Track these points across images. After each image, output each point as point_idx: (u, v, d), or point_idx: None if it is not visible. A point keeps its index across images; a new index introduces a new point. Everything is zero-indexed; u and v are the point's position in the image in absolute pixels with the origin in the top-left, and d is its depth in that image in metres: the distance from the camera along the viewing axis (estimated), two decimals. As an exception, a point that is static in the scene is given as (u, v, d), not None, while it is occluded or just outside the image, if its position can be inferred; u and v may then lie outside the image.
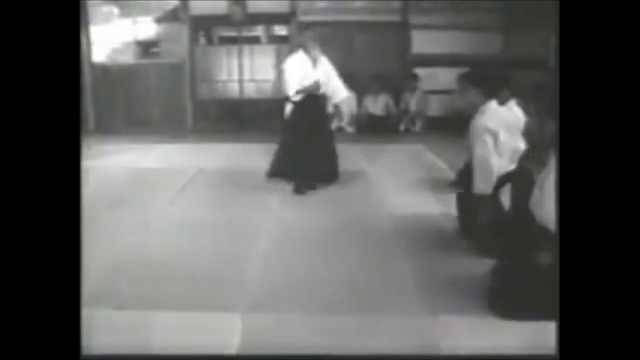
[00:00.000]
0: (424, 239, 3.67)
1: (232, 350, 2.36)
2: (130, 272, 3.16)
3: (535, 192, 2.67)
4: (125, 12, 8.54)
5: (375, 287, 2.97)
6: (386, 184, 5.14)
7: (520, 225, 3.04)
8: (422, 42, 8.31)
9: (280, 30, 8.71)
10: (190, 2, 8.32)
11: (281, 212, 4.33)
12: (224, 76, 8.85)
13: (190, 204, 4.63)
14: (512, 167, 3.41)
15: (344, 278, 3.07)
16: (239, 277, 3.09)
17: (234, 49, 8.68)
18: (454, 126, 5.07)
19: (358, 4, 8.43)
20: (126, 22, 8.56)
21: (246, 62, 8.71)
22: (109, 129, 8.29)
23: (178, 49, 8.53)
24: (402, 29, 8.43)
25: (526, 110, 4.13)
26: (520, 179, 3.30)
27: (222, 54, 8.82)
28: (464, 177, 3.67)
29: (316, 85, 4.77)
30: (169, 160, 6.42)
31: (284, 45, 8.54)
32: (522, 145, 3.50)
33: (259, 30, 8.76)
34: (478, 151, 3.34)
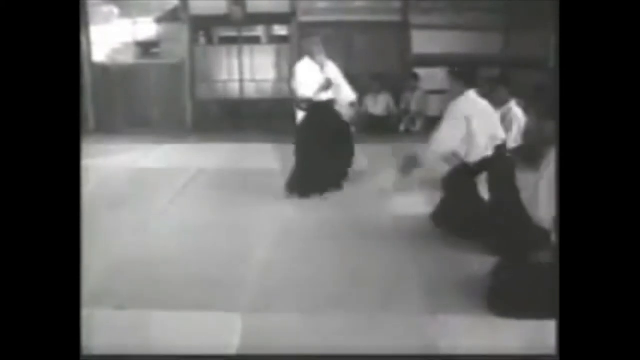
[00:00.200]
0: (424, 239, 3.67)
1: (232, 350, 2.36)
2: (130, 272, 3.17)
3: (531, 192, 2.68)
4: (125, 12, 8.54)
5: (374, 287, 2.97)
6: (386, 184, 5.14)
7: (498, 212, 3.32)
8: (422, 42, 8.29)
9: (280, 30, 8.71)
10: (190, 2, 8.32)
11: (281, 212, 4.33)
12: (224, 76, 8.84)
13: (190, 204, 4.63)
14: (488, 153, 3.56)
15: (343, 278, 3.07)
16: (238, 277, 3.09)
17: (234, 49, 8.67)
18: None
19: (358, 4, 8.42)
20: (126, 23, 8.55)
21: (246, 62, 8.71)
22: (109, 129, 8.29)
23: (178, 49, 8.52)
24: (402, 29, 8.42)
25: (526, 110, 4.14)
26: (499, 166, 3.52)
27: (222, 54, 8.81)
28: (450, 179, 3.83)
29: (328, 83, 4.76)
30: (169, 160, 6.42)
31: (284, 45, 8.54)
32: (500, 134, 3.67)
33: (259, 30, 8.76)
34: (444, 126, 3.59)
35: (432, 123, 8.17)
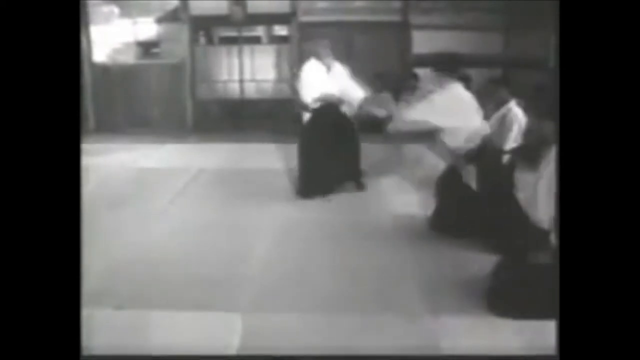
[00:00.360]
0: (424, 239, 3.67)
1: (232, 350, 2.36)
2: (130, 272, 3.17)
3: (530, 192, 2.69)
4: (126, 13, 8.55)
5: (375, 287, 2.97)
6: (386, 184, 5.14)
7: (488, 204, 3.38)
8: (422, 42, 8.30)
9: (280, 30, 8.71)
10: (191, 2, 8.32)
11: (281, 212, 4.33)
12: (224, 76, 8.85)
13: (191, 204, 4.63)
14: (470, 145, 3.58)
15: (343, 278, 3.07)
16: (238, 277, 3.09)
17: (234, 49, 8.68)
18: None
19: (358, 4, 8.43)
20: (126, 23, 8.56)
21: (246, 62, 8.71)
22: (109, 129, 8.29)
23: (178, 49, 8.53)
24: (402, 29, 8.42)
25: (526, 110, 4.15)
26: (486, 158, 3.56)
27: (222, 54, 8.82)
28: (443, 182, 3.90)
29: (332, 97, 4.74)
30: (169, 160, 6.42)
31: (285, 46, 8.54)
32: (486, 127, 3.71)
33: (259, 31, 8.77)
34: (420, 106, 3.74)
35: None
